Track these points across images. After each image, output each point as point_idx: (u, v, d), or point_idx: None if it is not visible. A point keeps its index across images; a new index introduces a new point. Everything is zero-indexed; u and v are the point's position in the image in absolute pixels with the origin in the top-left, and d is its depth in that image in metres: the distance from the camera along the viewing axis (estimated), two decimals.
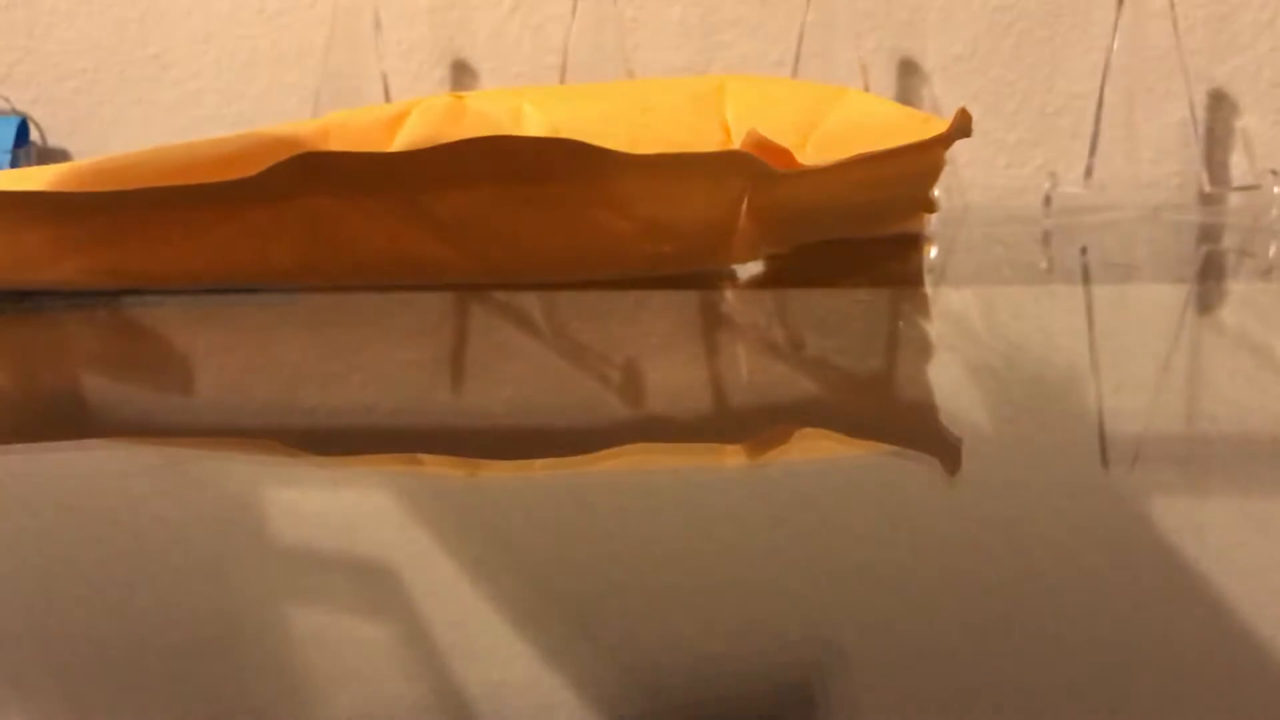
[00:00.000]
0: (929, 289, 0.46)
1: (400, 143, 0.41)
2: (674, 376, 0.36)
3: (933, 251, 0.49)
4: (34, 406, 0.34)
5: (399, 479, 0.29)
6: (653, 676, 0.20)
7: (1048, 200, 0.59)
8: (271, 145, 0.40)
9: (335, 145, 0.40)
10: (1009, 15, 0.65)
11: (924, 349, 0.40)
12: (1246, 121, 0.62)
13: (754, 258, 0.44)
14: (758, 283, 0.45)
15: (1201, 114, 0.62)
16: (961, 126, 0.44)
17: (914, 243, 0.50)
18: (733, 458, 0.30)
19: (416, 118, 0.41)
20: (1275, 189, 0.58)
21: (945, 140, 0.44)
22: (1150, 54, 0.62)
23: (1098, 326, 0.41)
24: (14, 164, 0.65)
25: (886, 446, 0.31)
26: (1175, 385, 0.34)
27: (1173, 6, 0.60)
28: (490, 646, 0.21)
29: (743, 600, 0.22)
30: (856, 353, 0.39)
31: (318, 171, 0.40)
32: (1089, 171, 0.60)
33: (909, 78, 0.65)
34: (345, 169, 0.41)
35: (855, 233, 0.48)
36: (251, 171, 0.39)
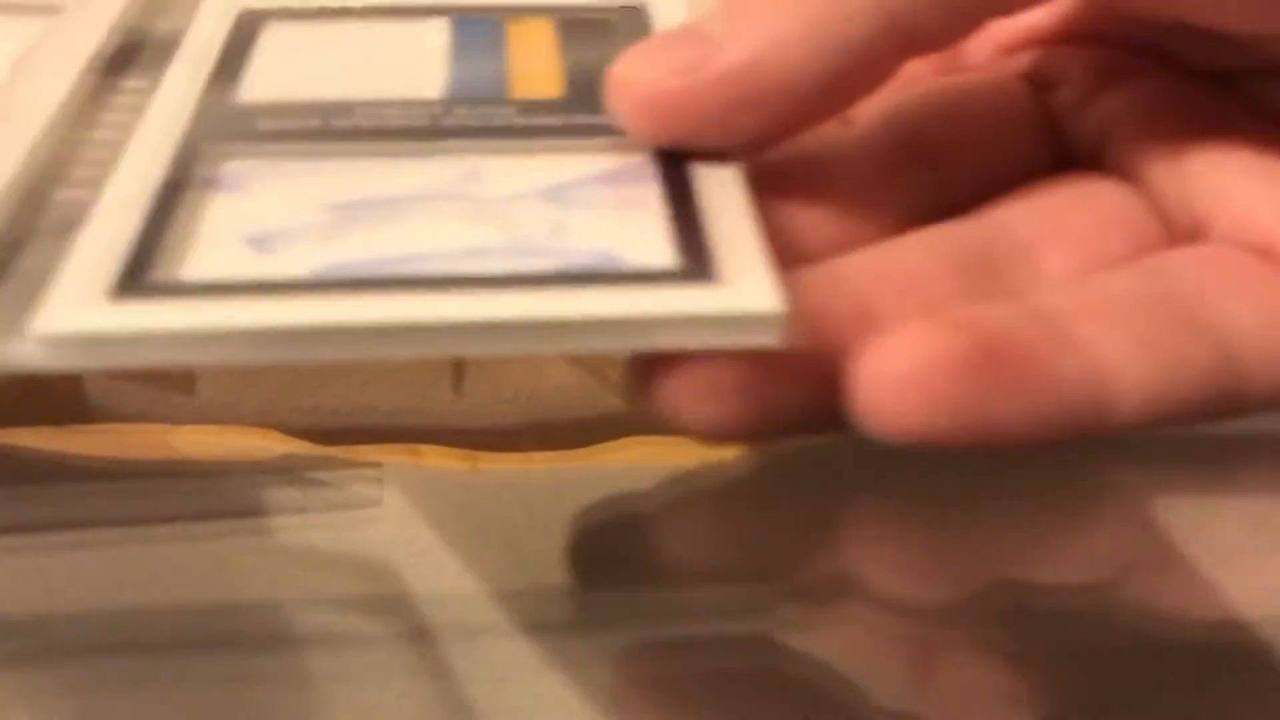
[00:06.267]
0: None
1: None
2: None
3: None
4: (33, 401, 0.34)
5: (399, 476, 0.29)
6: (652, 672, 0.20)
7: None
8: None
9: None
10: None
11: None
12: None
13: None
14: None
15: None
16: None
17: None
18: (733, 451, 0.30)
19: None
20: None
21: None
22: None
23: None
24: None
25: (885, 442, 0.31)
26: None
27: None
28: (490, 644, 0.21)
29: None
30: None
31: None
32: None
33: None
34: None
35: None
36: None
